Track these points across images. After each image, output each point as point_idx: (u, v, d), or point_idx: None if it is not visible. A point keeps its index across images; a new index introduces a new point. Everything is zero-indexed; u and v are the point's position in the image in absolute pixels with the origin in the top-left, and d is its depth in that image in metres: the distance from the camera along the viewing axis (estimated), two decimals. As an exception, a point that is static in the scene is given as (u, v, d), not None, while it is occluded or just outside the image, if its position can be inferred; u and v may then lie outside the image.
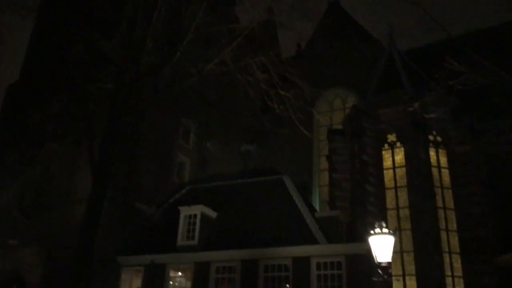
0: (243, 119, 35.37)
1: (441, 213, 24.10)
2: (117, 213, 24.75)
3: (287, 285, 20.97)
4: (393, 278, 22.00)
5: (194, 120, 36.36)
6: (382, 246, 11.32)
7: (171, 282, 23.44)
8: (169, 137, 33.08)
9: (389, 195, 25.41)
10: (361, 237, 19.10)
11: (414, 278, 22.83)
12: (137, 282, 23.78)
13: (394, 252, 13.14)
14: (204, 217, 23.93)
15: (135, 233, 25.34)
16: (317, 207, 30.84)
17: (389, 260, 11.33)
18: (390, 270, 11.48)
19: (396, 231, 15.12)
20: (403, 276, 23.18)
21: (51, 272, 24.24)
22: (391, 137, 26.53)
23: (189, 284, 22.75)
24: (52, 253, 24.85)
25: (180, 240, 23.66)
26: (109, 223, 24.36)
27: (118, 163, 14.92)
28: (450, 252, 23.43)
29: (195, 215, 23.85)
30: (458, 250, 23.51)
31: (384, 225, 11.70)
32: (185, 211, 24.10)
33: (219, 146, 35.69)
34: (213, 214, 24.47)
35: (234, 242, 22.50)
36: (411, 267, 23.16)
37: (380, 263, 11.17)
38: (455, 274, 23.04)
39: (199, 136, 36.75)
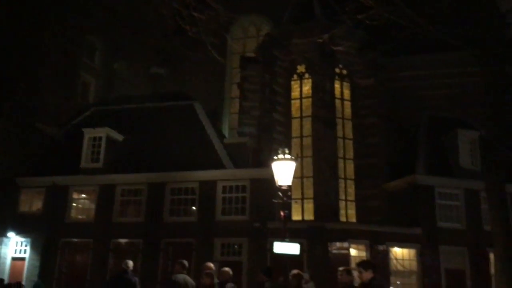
0: (154, 40, 34.01)
1: (340, 142, 25.70)
2: (16, 133, 23.45)
3: (193, 207, 21.63)
4: (293, 200, 23.53)
5: (101, 38, 34.34)
6: (283, 170, 11.94)
7: (74, 204, 23.14)
8: (73, 54, 31.09)
9: (295, 124, 26.45)
10: (266, 163, 19.91)
11: (311, 201, 24.57)
12: (38, 203, 23.17)
13: (295, 177, 13.96)
14: (109, 139, 23.44)
15: (35, 154, 24.26)
16: (226, 134, 31.39)
17: (289, 183, 12.03)
18: (289, 193, 12.23)
19: (297, 158, 15.92)
20: (302, 199, 24.83)
21: None
22: (301, 68, 27.15)
23: (93, 205, 22.61)
24: None
25: (84, 162, 23.14)
26: (7, 143, 23.06)
27: (16, 79, 13.86)
28: (345, 178, 25.34)
29: (100, 138, 23.28)
30: (353, 176, 25.47)
31: (287, 151, 12.29)
32: (89, 133, 23.38)
33: (128, 67, 34.31)
34: (119, 137, 24.00)
35: (141, 166, 22.46)
36: (309, 191, 24.83)
37: (281, 186, 11.82)
38: (348, 198, 25.11)
39: (106, 55, 34.95)
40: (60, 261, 21.96)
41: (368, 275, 6.68)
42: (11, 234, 22.50)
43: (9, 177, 22.88)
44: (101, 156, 23.06)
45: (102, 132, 23.29)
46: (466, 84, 25.97)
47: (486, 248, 19.36)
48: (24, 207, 23.20)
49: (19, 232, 22.52)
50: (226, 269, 10.26)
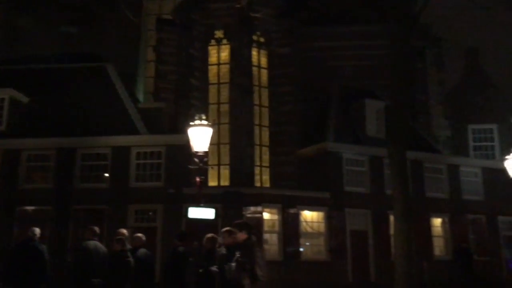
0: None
1: (256, 109, 26.09)
2: None
3: (106, 174, 21.06)
4: (209, 166, 23.70)
5: (2, -10, 31.52)
6: (200, 136, 12.02)
7: (-26, 170, 21.56)
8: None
9: (212, 91, 26.38)
10: (182, 129, 19.78)
11: (228, 167, 24.94)
12: None
13: (212, 143, 14.05)
14: (13, 101, 21.97)
15: None
16: (141, 98, 30.55)
17: (206, 149, 12.14)
18: (205, 159, 12.35)
19: (214, 124, 15.99)
20: (218, 165, 25.10)
21: None
22: (219, 33, 26.89)
23: (-4, 172, 21.23)
24: None
25: (-15, 126, 21.54)
26: None
27: None
28: (261, 145, 25.91)
29: (3, 99, 21.80)
30: (268, 143, 26.09)
31: (204, 117, 12.33)
32: (-10, 94, 21.70)
33: (34, 24, 31.87)
34: (24, 99, 22.54)
35: (49, 130, 21.36)
36: (226, 158, 25.15)
37: (197, 152, 11.90)
38: (263, 164, 25.77)
39: (8, 9, 32.20)
40: (-42, 231, 20.53)
41: (242, 235, 6.92)
42: None
43: None
44: (4, 119, 21.61)
45: (5, 93, 21.73)
46: (374, 56, 27.21)
47: (387, 211, 20.89)
48: None
49: None
50: (139, 235, 10.27)
